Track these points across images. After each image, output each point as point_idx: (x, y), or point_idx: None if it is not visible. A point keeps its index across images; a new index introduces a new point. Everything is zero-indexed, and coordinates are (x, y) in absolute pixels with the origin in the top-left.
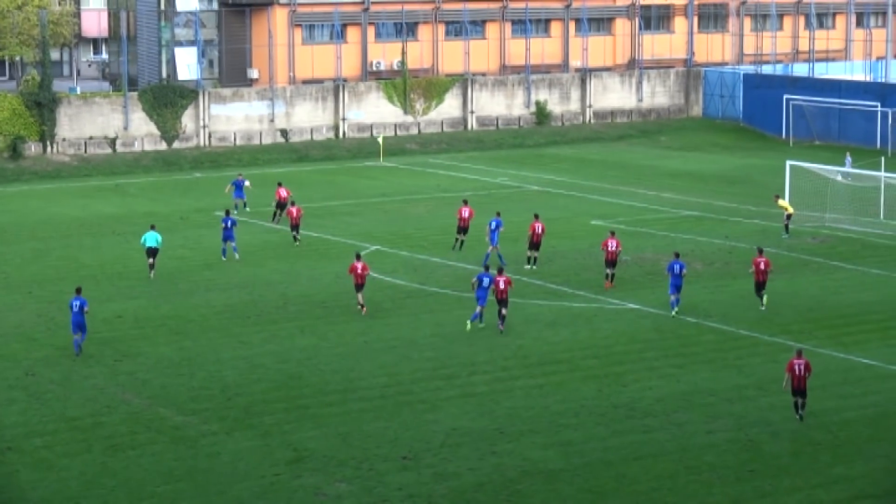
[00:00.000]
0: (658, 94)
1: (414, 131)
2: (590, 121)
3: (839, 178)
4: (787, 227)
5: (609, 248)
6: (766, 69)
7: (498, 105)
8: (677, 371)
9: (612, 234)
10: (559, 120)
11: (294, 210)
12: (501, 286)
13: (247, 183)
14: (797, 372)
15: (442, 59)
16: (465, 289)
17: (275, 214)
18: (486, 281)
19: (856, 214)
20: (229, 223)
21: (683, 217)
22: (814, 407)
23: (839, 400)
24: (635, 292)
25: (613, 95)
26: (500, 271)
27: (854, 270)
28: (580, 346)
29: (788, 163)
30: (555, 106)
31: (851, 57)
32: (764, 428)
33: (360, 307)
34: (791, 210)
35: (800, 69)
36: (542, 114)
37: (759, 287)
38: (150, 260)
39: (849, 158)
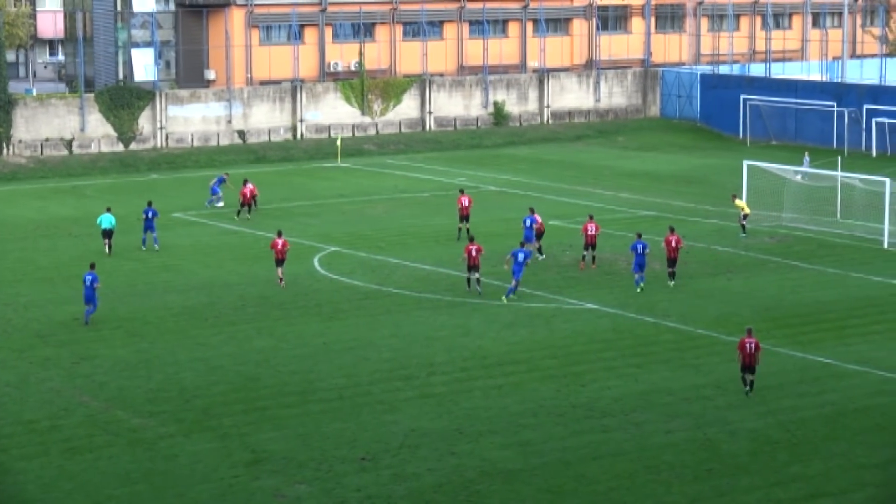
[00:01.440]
0: (615, 95)
1: (372, 132)
2: (547, 121)
3: (798, 178)
4: (743, 226)
5: (589, 232)
6: (723, 69)
7: (456, 106)
8: (635, 371)
9: (591, 217)
10: (517, 120)
11: (247, 191)
12: (473, 253)
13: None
14: (748, 350)
15: (399, 59)
16: (423, 289)
17: (249, 209)
18: (520, 256)
19: (812, 214)
20: (150, 214)
21: (641, 217)
22: (771, 406)
23: (796, 399)
24: (593, 292)
25: (571, 96)
26: (472, 240)
27: (811, 270)
28: (539, 346)
29: (745, 163)
30: (512, 106)
31: (808, 57)
32: (722, 427)
33: (279, 280)
34: (748, 210)
35: (756, 69)
36: (499, 114)
37: (671, 264)
38: (106, 240)
39: (807, 158)
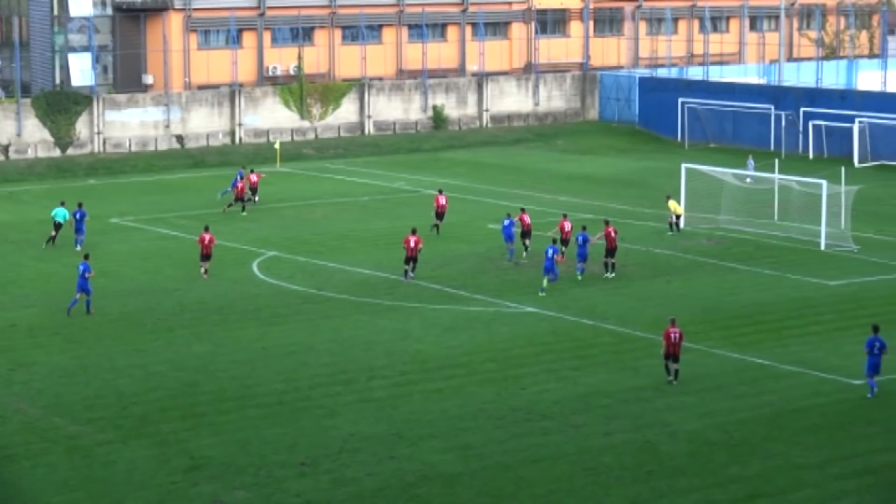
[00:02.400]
0: (554, 98)
1: (311, 136)
2: (486, 125)
3: (748, 181)
4: (676, 225)
5: (565, 230)
6: (662, 72)
7: (395, 110)
8: (574, 373)
9: (565, 216)
10: (456, 124)
11: (242, 185)
12: (412, 244)
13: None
14: (672, 339)
15: (338, 63)
16: (362, 294)
17: (249, 199)
18: (549, 252)
19: (750, 216)
20: (78, 216)
21: (579, 220)
22: (709, 407)
23: (734, 400)
24: (533, 296)
25: (510, 99)
26: (414, 231)
27: (748, 271)
28: (478, 349)
29: (684, 165)
30: (452, 110)
31: (745, 60)
32: (661, 429)
33: (203, 273)
34: (681, 212)
35: (694, 72)
36: (438, 118)
37: (610, 254)
38: (54, 233)
39: (751, 162)
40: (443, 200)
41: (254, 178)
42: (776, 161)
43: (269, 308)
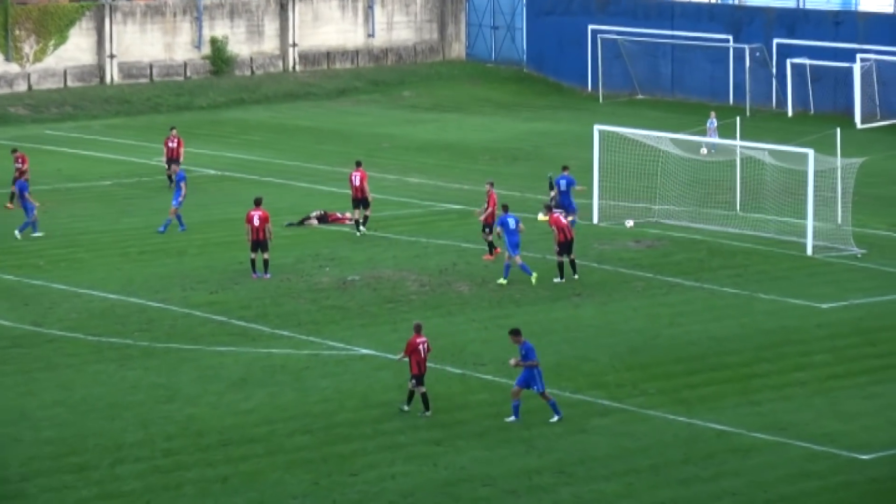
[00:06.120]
0: (398, 27)
1: (21, 87)
2: (294, 68)
3: (703, 151)
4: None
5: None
6: None
7: (153, 46)
8: (434, 450)
9: (491, 184)
10: (247, 67)
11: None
12: (256, 222)
13: None
14: (422, 354)
15: None
16: (104, 331)
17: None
18: (511, 223)
19: (699, 205)
20: None
21: (438, 213)
22: (643, 498)
23: (680, 487)
24: (367, 330)
25: (330, 28)
26: (258, 203)
27: (698, 290)
28: (284, 415)
29: (597, 127)
30: (240, 45)
31: None
32: None
33: None
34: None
35: None
36: (220, 58)
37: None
38: None
39: (713, 121)
40: (358, 179)
41: (173, 144)
42: (738, 121)
43: None
